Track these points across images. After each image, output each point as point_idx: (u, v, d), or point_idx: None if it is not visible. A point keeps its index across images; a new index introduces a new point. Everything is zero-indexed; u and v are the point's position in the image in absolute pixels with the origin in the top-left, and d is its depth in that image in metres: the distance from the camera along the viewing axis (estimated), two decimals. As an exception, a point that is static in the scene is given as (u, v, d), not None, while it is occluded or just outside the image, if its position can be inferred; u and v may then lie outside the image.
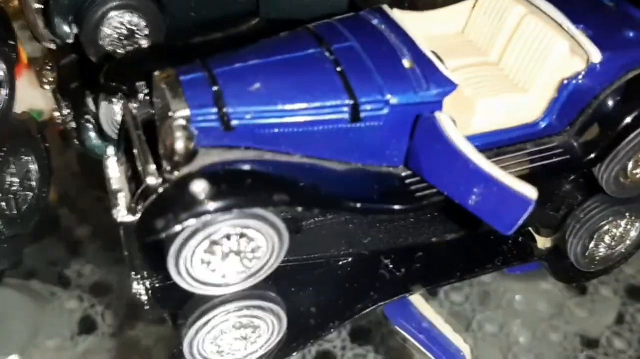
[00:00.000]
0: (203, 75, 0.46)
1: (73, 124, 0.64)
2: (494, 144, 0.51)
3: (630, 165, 0.58)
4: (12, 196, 0.44)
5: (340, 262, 0.53)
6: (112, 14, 0.67)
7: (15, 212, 0.44)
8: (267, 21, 0.77)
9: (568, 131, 0.53)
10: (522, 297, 0.66)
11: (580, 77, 0.51)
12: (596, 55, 0.50)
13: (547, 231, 0.64)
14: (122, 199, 0.47)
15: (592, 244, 0.62)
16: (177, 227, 0.42)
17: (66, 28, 0.65)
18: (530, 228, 0.62)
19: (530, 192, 0.43)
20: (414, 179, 0.50)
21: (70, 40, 0.67)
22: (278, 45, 0.49)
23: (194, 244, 0.44)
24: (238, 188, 0.43)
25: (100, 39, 0.68)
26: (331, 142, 0.47)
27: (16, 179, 0.45)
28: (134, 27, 0.69)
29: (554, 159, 0.52)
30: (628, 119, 0.52)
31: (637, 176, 0.60)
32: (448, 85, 0.46)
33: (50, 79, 0.68)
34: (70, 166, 0.71)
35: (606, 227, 0.62)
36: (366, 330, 0.58)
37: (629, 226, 0.63)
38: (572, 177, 0.63)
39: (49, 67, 0.69)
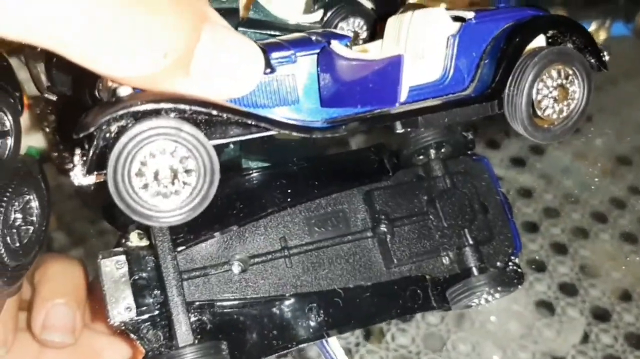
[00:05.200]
0: None
1: (70, 165, 0.71)
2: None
3: (537, 97, 0.59)
4: (15, 230, 0.47)
5: (277, 303, 0.59)
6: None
7: (18, 244, 0.47)
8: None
9: (471, 85, 0.59)
10: (496, 318, 0.73)
11: (461, 32, 0.57)
12: (470, 14, 0.58)
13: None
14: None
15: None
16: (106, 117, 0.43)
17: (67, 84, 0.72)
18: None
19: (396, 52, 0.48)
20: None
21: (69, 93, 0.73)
22: None
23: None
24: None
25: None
26: None
27: (19, 215, 0.49)
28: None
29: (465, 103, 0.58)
30: (511, 55, 0.58)
31: (546, 112, 0.60)
32: (345, 39, 0.53)
33: (51, 120, 0.75)
34: (66, 195, 0.79)
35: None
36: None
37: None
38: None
39: (49, 111, 0.75)
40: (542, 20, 0.60)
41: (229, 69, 0.43)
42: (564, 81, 0.60)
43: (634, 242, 0.85)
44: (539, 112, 0.58)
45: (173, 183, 0.46)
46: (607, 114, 0.95)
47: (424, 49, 0.59)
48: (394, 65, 0.49)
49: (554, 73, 0.59)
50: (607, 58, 0.61)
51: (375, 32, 0.73)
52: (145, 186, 0.45)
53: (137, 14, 0.35)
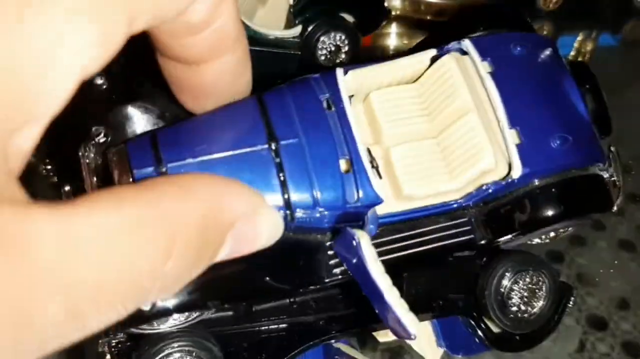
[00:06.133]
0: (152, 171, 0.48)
1: (55, 179, 0.67)
2: (413, 218, 0.56)
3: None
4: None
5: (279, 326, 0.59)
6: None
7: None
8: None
9: (479, 207, 0.58)
10: (492, 327, 0.75)
11: (497, 187, 0.55)
12: (517, 172, 0.54)
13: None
14: None
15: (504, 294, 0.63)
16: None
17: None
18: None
19: (411, 326, 0.47)
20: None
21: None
22: (228, 128, 0.51)
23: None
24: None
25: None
26: None
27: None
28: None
29: (460, 238, 0.57)
30: (533, 220, 0.58)
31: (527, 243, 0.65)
32: (375, 200, 0.51)
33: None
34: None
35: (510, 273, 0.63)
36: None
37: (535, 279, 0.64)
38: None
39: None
40: (573, 204, 0.59)
41: (245, 251, 0.43)
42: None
43: (632, 250, 0.85)
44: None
45: None
46: (608, 121, 0.95)
47: (455, 173, 0.56)
48: (403, 331, 0.48)
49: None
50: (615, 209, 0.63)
51: (358, 44, 0.75)
52: None
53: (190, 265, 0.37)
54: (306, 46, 0.71)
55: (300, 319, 0.59)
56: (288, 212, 0.50)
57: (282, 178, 0.49)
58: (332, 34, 0.73)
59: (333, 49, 0.73)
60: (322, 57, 0.77)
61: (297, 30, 0.71)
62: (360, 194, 0.51)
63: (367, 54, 0.85)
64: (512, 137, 0.55)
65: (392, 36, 0.93)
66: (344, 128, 0.52)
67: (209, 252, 0.38)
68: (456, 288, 0.62)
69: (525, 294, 0.61)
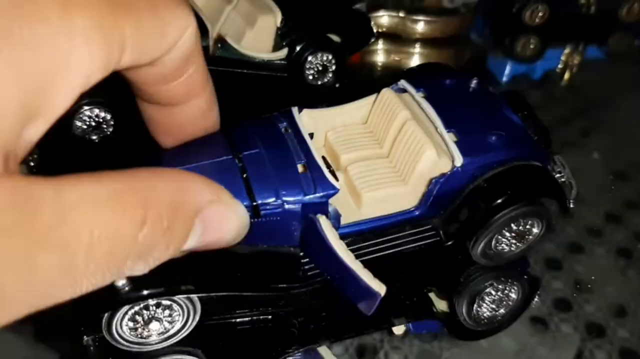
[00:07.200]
0: None
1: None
2: (379, 227, 0.62)
3: (493, 241, 0.69)
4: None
5: (261, 322, 0.63)
6: (85, 108, 0.79)
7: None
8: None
9: (441, 216, 0.65)
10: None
11: (444, 178, 0.62)
12: (459, 161, 0.62)
13: (443, 296, 0.72)
14: None
15: (475, 306, 0.71)
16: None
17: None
18: (430, 293, 0.71)
19: (378, 287, 0.54)
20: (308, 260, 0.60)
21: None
22: (199, 150, 0.57)
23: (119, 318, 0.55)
24: (152, 281, 0.51)
25: (73, 130, 0.80)
26: None
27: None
28: (101, 120, 0.80)
29: (427, 241, 0.64)
30: (485, 209, 0.64)
31: (499, 249, 0.71)
32: (331, 189, 0.57)
33: (33, 157, 0.79)
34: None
35: (486, 290, 0.72)
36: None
37: (507, 290, 0.73)
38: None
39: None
40: (520, 187, 0.65)
41: (215, 239, 0.49)
42: (525, 228, 0.68)
43: (629, 257, 0.85)
44: (492, 250, 0.68)
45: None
46: (604, 129, 0.95)
47: (408, 177, 0.64)
48: (371, 296, 0.54)
49: (518, 226, 0.68)
50: (572, 204, 0.70)
51: (345, 64, 0.75)
52: (135, 329, 0.57)
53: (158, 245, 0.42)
54: (293, 67, 0.72)
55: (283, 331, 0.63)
56: (253, 204, 0.55)
57: (245, 177, 0.56)
58: (319, 54, 0.74)
59: (320, 68, 0.74)
60: (310, 77, 0.78)
61: (284, 52, 0.72)
62: (317, 186, 0.57)
63: (356, 71, 0.87)
64: (450, 137, 0.63)
65: (380, 53, 0.94)
66: (300, 143, 0.60)
67: (179, 231, 0.43)
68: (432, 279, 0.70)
69: (494, 305, 0.69)
